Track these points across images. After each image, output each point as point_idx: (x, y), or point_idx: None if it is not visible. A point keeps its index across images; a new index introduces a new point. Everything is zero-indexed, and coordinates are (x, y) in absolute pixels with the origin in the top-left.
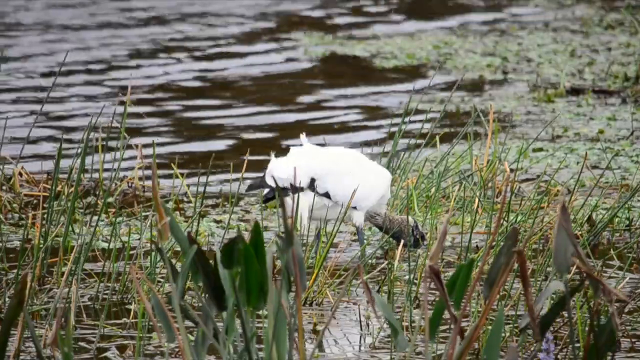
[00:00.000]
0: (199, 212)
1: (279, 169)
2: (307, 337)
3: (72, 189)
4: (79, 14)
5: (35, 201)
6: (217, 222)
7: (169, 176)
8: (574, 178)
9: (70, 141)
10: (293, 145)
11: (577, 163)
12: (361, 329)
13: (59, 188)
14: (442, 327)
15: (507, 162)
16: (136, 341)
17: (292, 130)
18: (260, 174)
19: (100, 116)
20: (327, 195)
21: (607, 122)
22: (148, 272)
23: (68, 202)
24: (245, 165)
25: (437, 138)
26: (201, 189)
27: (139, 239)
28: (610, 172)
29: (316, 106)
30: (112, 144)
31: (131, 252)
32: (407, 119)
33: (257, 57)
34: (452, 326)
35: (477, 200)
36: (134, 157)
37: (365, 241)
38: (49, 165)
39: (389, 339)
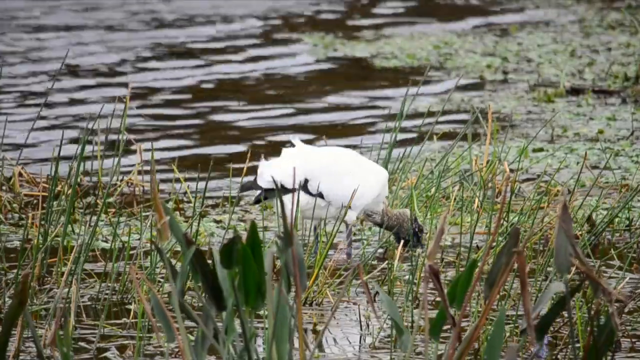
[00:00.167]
0: (199, 212)
1: (270, 171)
2: (307, 337)
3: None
4: (86, 17)
5: (35, 201)
6: (217, 222)
7: (176, 179)
8: (574, 178)
9: (76, 142)
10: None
11: (577, 163)
12: (361, 329)
13: (58, 188)
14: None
15: (506, 162)
16: (136, 341)
17: (296, 131)
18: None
19: (100, 117)
20: (320, 195)
21: (607, 122)
22: (148, 272)
23: (67, 202)
24: (245, 166)
25: (435, 138)
26: (215, 191)
27: (139, 239)
28: (610, 172)
29: (317, 106)
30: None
31: (131, 252)
32: (406, 119)
33: (258, 58)
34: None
35: (477, 200)
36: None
37: (351, 239)
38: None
39: (389, 339)
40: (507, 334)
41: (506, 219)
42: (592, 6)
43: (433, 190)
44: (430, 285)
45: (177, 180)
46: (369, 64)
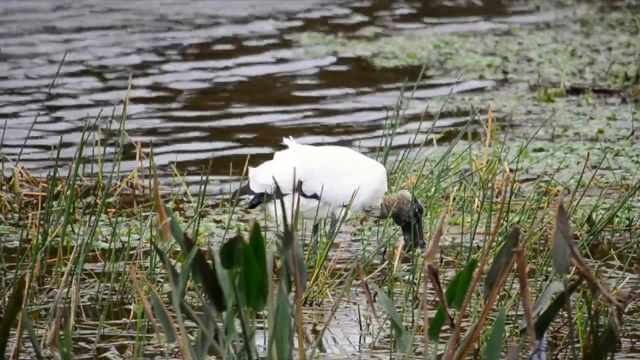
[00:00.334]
0: (198, 212)
1: (262, 175)
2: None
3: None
4: (86, 18)
5: (35, 201)
6: (217, 222)
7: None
8: (574, 178)
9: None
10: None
11: (578, 163)
12: (361, 329)
13: (58, 188)
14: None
15: (506, 162)
16: (136, 341)
17: (296, 132)
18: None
19: (101, 117)
20: (315, 196)
21: (607, 121)
22: (148, 272)
23: (67, 202)
24: (245, 167)
25: (435, 138)
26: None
27: (138, 239)
28: (610, 172)
29: (318, 107)
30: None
31: (131, 252)
32: (406, 119)
33: (258, 59)
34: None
35: (476, 200)
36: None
37: (335, 234)
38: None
39: (389, 339)
40: (507, 334)
41: (506, 219)
42: (592, 6)
43: (433, 190)
44: (430, 285)
45: (175, 176)
46: (370, 63)
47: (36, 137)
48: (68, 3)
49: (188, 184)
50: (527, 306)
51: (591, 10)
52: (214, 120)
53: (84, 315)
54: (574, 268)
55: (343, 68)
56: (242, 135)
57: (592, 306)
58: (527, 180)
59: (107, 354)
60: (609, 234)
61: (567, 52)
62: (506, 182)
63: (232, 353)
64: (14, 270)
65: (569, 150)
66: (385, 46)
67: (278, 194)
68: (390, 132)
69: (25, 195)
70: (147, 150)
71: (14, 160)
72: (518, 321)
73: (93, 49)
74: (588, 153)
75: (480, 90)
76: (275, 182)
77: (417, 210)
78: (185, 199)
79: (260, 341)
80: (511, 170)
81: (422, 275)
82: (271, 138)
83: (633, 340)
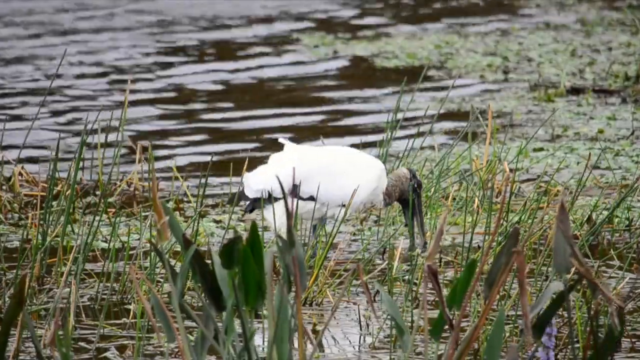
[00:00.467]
0: (198, 212)
1: (256, 180)
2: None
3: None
4: (95, 18)
5: (35, 201)
6: (216, 222)
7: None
8: (574, 178)
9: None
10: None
11: (578, 163)
12: (361, 329)
13: (58, 188)
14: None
15: (506, 162)
16: (136, 341)
17: (297, 132)
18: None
19: (102, 118)
20: (312, 198)
21: (607, 121)
22: (147, 272)
23: (66, 202)
24: (244, 168)
25: (434, 138)
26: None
27: (138, 239)
28: (610, 172)
29: (317, 107)
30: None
31: (131, 252)
32: (407, 120)
33: (258, 59)
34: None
35: (476, 200)
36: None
37: (318, 235)
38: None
39: (389, 339)
40: (507, 334)
41: (506, 219)
42: (593, 5)
43: (433, 190)
44: (430, 285)
45: (175, 178)
46: (370, 63)
47: (37, 137)
48: (83, 4)
49: (187, 184)
50: (525, 308)
51: (592, 10)
52: (214, 121)
53: (83, 315)
54: (573, 268)
55: (343, 68)
56: (243, 137)
57: (592, 306)
58: (527, 180)
59: (107, 354)
60: (609, 234)
61: (567, 52)
62: (506, 182)
63: (232, 353)
64: (14, 270)
65: (569, 150)
66: (386, 46)
67: (273, 198)
68: (390, 132)
69: (25, 195)
70: (154, 150)
71: (13, 160)
72: (518, 321)
73: (101, 49)
74: (589, 154)
75: (481, 90)
76: (270, 186)
77: (415, 186)
78: (185, 199)
79: (260, 341)
80: (511, 170)
81: (422, 275)
82: (272, 139)
83: (633, 340)
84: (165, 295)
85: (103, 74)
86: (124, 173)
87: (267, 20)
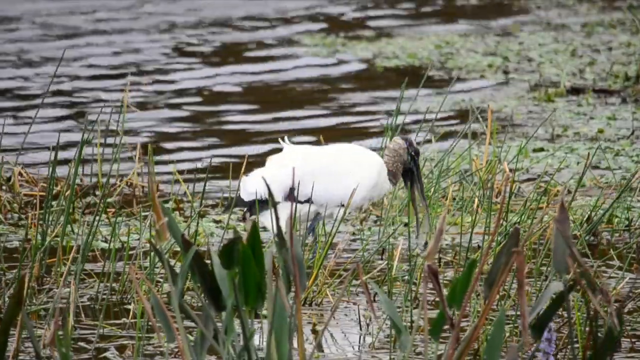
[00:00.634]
0: (198, 212)
1: (252, 183)
2: (307, 337)
3: (71, 189)
4: (110, 16)
5: (34, 201)
6: (216, 222)
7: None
8: (574, 178)
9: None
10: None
11: (578, 163)
12: (361, 329)
13: (58, 188)
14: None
15: (506, 162)
16: (135, 341)
17: (296, 133)
18: None
19: (102, 119)
20: (309, 201)
21: (607, 121)
22: (147, 272)
23: (66, 202)
24: (243, 168)
25: (434, 138)
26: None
27: (138, 239)
28: (610, 172)
29: (317, 107)
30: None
31: (130, 252)
32: (407, 120)
33: (257, 59)
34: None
35: (476, 200)
36: (163, 163)
37: (315, 234)
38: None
39: (389, 339)
40: (507, 334)
41: (505, 219)
42: (593, 5)
43: (432, 190)
44: (430, 285)
45: (176, 179)
46: (370, 64)
47: (37, 137)
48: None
49: (187, 184)
50: (524, 309)
51: (592, 10)
52: (214, 122)
53: (83, 315)
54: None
55: (343, 69)
56: (246, 138)
57: (592, 306)
58: (527, 180)
59: (107, 354)
60: (609, 234)
61: (567, 52)
62: (506, 182)
63: (231, 353)
64: (13, 270)
65: (569, 150)
66: (386, 46)
67: (271, 202)
68: (391, 133)
69: (25, 195)
70: (163, 154)
71: (13, 160)
72: (518, 321)
73: (108, 50)
74: (589, 154)
75: (481, 90)
76: (269, 189)
77: (413, 154)
78: (185, 198)
79: (260, 341)
80: (511, 170)
81: (422, 275)
82: (272, 140)
83: (633, 340)
84: (165, 295)
85: (115, 76)
86: (140, 174)
87: (267, 20)
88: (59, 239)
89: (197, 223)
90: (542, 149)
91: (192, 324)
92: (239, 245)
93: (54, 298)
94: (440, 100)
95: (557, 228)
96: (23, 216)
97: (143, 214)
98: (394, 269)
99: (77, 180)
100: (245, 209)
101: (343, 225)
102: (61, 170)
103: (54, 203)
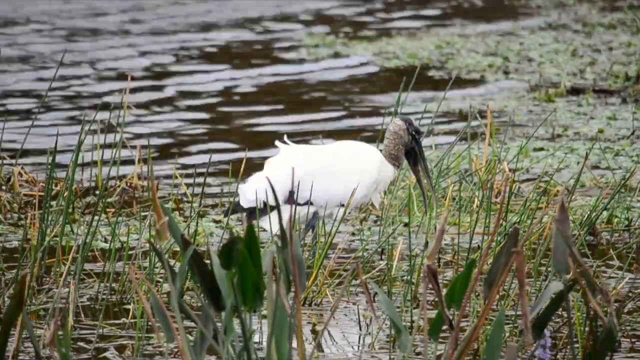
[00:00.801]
0: (197, 212)
1: (250, 189)
2: (307, 337)
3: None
4: (120, 18)
5: (34, 201)
6: (216, 222)
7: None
8: (574, 178)
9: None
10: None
11: (577, 163)
12: (360, 329)
13: (57, 188)
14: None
15: (506, 162)
16: (135, 341)
17: (296, 134)
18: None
19: (104, 118)
20: (309, 202)
21: (607, 121)
22: (147, 272)
23: (65, 202)
24: (242, 168)
25: (434, 138)
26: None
27: (137, 239)
28: (610, 172)
29: (317, 107)
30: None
31: (130, 252)
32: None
33: (257, 59)
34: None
35: (476, 200)
36: (168, 164)
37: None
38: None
39: (389, 339)
40: (507, 334)
41: (505, 219)
42: (593, 5)
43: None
44: (430, 285)
45: (175, 178)
46: (370, 64)
47: (37, 137)
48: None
49: (188, 185)
50: (525, 308)
51: (592, 11)
52: (214, 123)
53: (83, 315)
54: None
55: (343, 69)
56: (247, 138)
57: (591, 306)
58: (527, 180)
59: (106, 354)
60: (608, 234)
61: (568, 52)
62: (506, 182)
63: (231, 353)
64: (13, 270)
65: (569, 150)
66: (387, 46)
67: (275, 202)
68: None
69: (25, 195)
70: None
71: (13, 159)
72: (518, 321)
73: (112, 52)
74: (587, 154)
75: (481, 90)
76: (273, 189)
77: (414, 133)
78: (185, 198)
79: (259, 341)
80: (511, 170)
81: (421, 275)
82: (272, 141)
83: (633, 340)
84: (165, 295)
85: (115, 78)
86: (158, 177)
87: (267, 20)
88: (58, 239)
89: (197, 223)
90: (542, 149)
91: (192, 324)
92: (238, 245)
93: (53, 298)
94: (440, 100)
95: (557, 228)
96: (23, 216)
97: (143, 214)
98: (394, 269)
99: (76, 180)
100: (245, 214)
101: (343, 225)
102: (60, 172)
103: (53, 203)
